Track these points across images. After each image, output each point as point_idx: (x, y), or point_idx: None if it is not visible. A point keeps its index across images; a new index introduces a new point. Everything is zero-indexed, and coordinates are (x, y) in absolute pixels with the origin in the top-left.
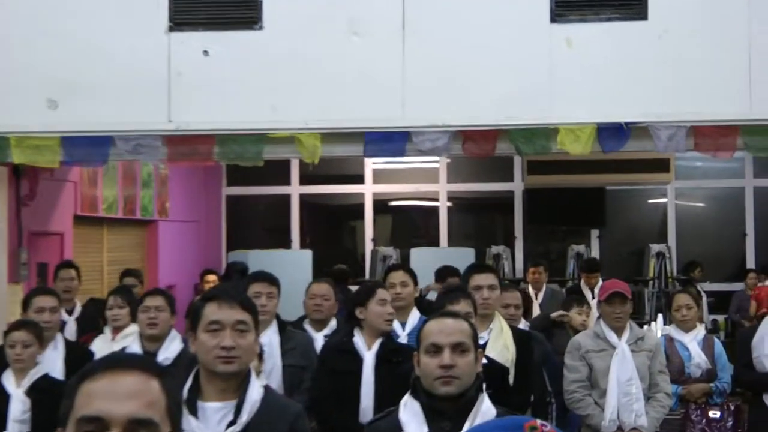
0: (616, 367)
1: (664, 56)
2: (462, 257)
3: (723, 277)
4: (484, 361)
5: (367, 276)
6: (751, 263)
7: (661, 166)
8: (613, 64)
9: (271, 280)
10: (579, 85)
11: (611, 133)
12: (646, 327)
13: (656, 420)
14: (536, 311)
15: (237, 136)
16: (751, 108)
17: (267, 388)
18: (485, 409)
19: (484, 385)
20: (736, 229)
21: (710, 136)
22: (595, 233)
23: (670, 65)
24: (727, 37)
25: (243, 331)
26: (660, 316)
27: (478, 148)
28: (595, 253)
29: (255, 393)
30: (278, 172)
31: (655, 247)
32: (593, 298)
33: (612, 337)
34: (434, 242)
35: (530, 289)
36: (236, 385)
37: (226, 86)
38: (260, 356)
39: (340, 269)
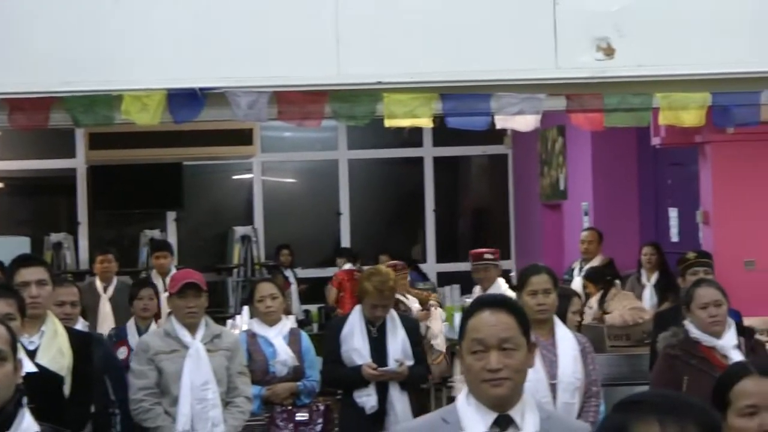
0: (189, 369)
1: (241, 12)
2: (15, 248)
3: (316, 262)
4: (33, 369)
5: None
6: (346, 245)
7: (243, 137)
8: (183, 21)
9: None
10: (145, 45)
11: (183, 100)
12: (230, 321)
13: (235, 428)
14: (105, 308)
15: None
16: (338, 71)
17: None
18: (26, 426)
19: (24, 399)
20: (330, 207)
21: (296, 103)
22: (171, 215)
23: (249, 22)
24: None
25: None
26: (246, 309)
27: (28, 119)
28: (172, 238)
29: None
30: None
31: (240, 230)
32: (165, 290)
33: (185, 335)
34: None
35: (98, 282)
36: None
37: None
38: None
39: None
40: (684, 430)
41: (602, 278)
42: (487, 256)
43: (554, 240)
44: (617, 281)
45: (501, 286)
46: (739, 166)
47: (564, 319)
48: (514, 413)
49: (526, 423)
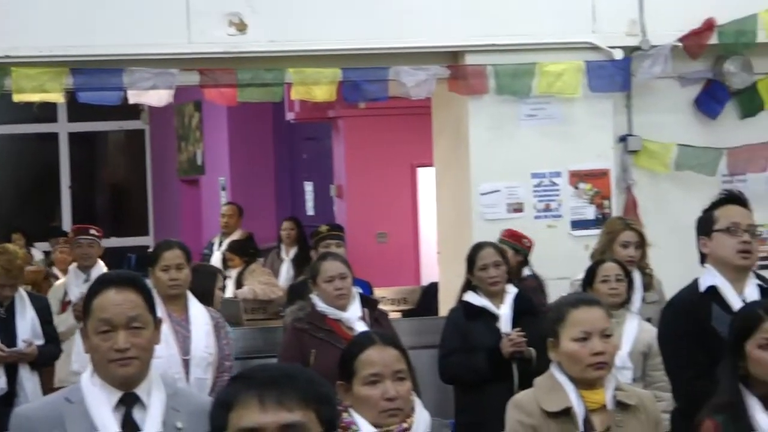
0: None
1: None
2: None
3: None
4: None
5: None
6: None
7: None
8: None
9: None
10: None
11: None
12: None
13: None
14: None
15: None
16: None
17: None
18: None
19: None
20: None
21: None
22: None
23: None
24: None
25: None
26: None
27: None
28: None
29: None
30: None
31: None
32: None
33: None
34: None
35: None
36: None
37: None
38: None
39: None
40: (281, 402)
41: (246, 251)
42: (92, 232)
43: (192, 215)
44: (260, 258)
45: (102, 268)
46: (371, 140)
47: (211, 296)
48: (140, 391)
49: (152, 400)
